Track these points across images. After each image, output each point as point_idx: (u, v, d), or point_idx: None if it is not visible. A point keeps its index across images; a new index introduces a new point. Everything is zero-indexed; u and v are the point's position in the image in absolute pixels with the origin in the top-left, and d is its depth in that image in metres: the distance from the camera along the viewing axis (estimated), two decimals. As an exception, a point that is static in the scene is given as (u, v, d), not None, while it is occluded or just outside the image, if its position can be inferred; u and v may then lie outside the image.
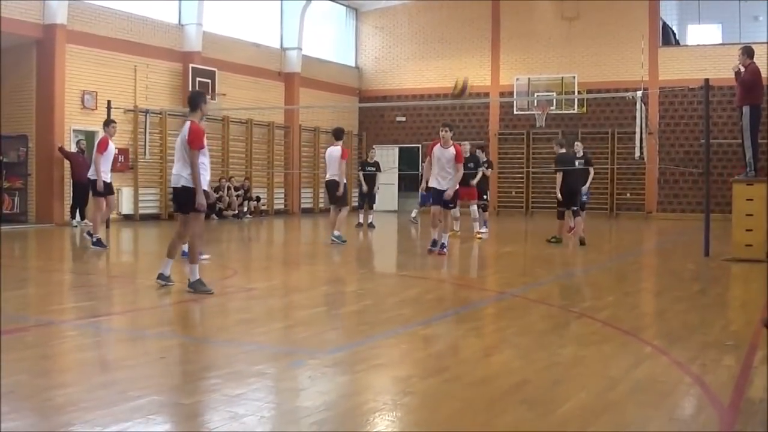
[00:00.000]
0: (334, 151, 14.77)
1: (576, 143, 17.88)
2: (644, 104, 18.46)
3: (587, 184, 16.91)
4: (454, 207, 13.39)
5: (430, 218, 13.01)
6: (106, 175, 13.35)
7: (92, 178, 13.46)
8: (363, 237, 17.65)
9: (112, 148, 13.62)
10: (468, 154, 16.85)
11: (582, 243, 14.82)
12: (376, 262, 13.64)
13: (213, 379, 4.87)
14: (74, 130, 19.85)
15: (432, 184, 12.82)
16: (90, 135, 20.27)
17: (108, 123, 14.11)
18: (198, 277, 8.33)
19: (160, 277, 8.73)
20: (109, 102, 19.09)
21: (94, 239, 13.16)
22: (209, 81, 23.06)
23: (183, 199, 8.49)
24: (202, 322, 7.21)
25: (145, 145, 21.50)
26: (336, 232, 14.50)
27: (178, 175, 8.46)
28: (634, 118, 18.89)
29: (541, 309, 7.86)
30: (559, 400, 4.43)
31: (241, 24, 25.29)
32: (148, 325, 7.03)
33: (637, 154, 18.32)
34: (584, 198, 17.08)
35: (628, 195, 27.02)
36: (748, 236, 11.92)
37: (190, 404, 4.33)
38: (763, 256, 11.45)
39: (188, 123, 8.50)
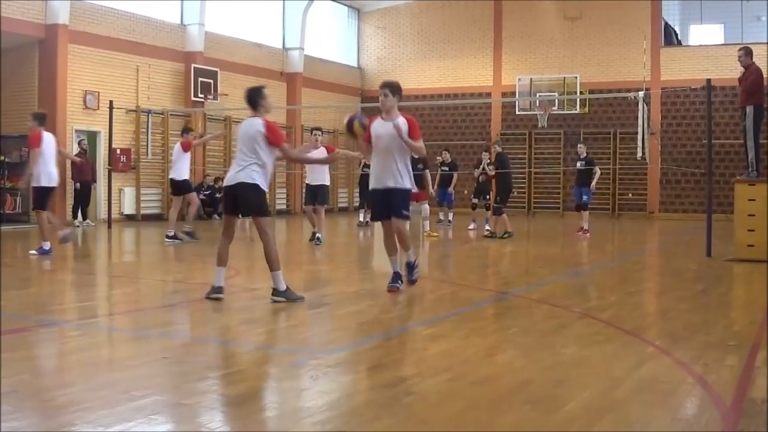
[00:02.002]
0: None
1: (579, 145, 18.09)
2: (646, 104, 18.48)
3: (593, 183, 17.43)
4: (408, 216, 8.65)
5: (383, 239, 8.77)
6: (188, 175, 14.77)
7: (173, 178, 14.89)
8: (364, 236, 17.67)
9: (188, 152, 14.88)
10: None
11: (505, 236, 16.13)
12: (377, 262, 13.63)
13: (215, 379, 4.87)
14: (76, 130, 19.86)
15: (373, 183, 8.60)
16: (92, 135, 20.30)
17: (186, 131, 15.45)
18: (285, 286, 7.80)
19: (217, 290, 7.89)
20: (111, 102, 19.14)
21: (186, 230, 14.59)
22: (211, 81, 23.08)
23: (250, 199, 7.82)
24: (204, 322, 7.21)
25: (147, 145, 21.53)
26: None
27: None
28: (637, 118, 18.91)
29: (544, 309, 7.85)
30: (562, 400, 4.43)
31: (244, 24, 25.31)
32: (151, 324, 7.02)
33: (639, 154, 18.35)
34: (585, 198, 17.25)
35: (630, 195, 27.01)
36: (751, 236, 11.91)
37: (192, 404, 4.33)
38: (765, 257, 11.43)
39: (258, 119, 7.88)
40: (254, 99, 8.00)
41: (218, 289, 7.87)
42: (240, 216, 8.04)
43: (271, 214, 8.09)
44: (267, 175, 7.82)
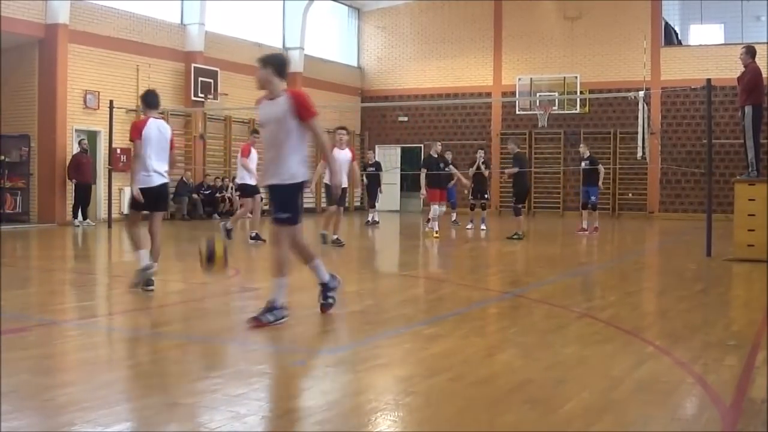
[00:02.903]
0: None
1: (581, 145, 18.24)
2: (646, 104, 18.50)
3: (599, 183, 17.62)
4: (292, 221, 6.64)
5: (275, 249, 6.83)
6: (251, 179, 14.27)
7: (238, 182, 14.93)
8: (360, 236, 17.68)
9: (255, 154, 14.34)
10: (436, 155, 17.01)
11: (514, 237, 15.77)
12: (377, 262, 13.64)
13: (215, 378, 4.87)
14: (76, 130, 19.86)
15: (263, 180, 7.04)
16: (92, 135, 20.30)
17: (252, 132, 15.36)
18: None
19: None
20: (111, 102, 19.14)
21: (253, 234, 14.33)
22: (211, 81, 23.08)
23: (164, 196, 8.71)
24: (203, 321, 7.21)
25: (147, 145, 21.48)
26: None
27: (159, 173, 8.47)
28: (637, 118, 18.93)
29: (544, 309, 7.85)
30: (561, 400, 4.43)
31: (244, 24, 25.30)
32: (150, 324, 7.03)
33: (640, 154, 18.41)
34: (593, 198, 17.49)
35: (631, 195, 27.01)
36: (750, 236, 11.90)
37: (192, 404, 4.33)
38: (764, 256, 11.43)
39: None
40: (157, 100, 8.63)
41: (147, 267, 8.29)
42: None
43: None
44: None
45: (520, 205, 16.20)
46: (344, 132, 13.99)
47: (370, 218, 20.16)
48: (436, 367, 5.28)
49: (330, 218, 13.98)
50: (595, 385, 4.78)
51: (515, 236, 15.77)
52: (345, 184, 13.65)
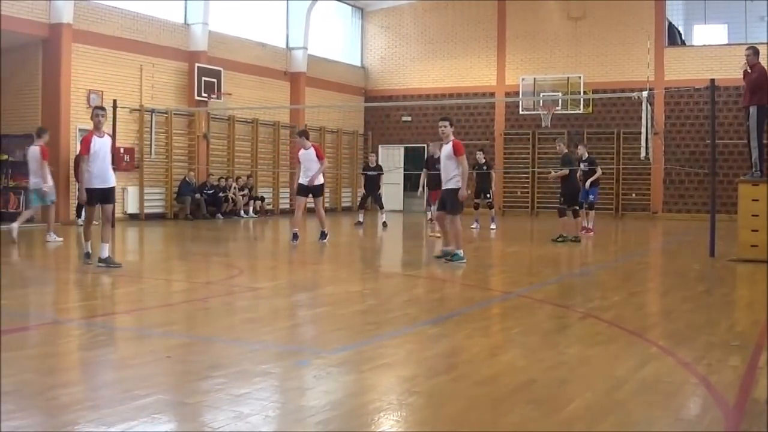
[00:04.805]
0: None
1: (579, 146, 18.06)
2: (650, 104, 18.46)
3: (591, 179, 17.26)
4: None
5: None
6: (303, 179, 14.51)
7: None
8: (364, 236, 17.66)
9: (302, 153, 14.53)
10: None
11: (572, 239, 15.27)
12: (381, 262, 13.64)
13: (218, 378, 4.87)
14: (80, 129, 19.86)
15: None
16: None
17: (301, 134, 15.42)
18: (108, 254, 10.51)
19: (102, 260, 10.42)
20: (114, 101, 19.14)
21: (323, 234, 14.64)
22: (215, 80, 23.09)
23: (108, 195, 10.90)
24: (207, 321, 7.21)
25: (150, 145, 21.55)
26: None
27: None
28: (640, 118, 18.91)
29: (547, 309, 7.85)
30: (565, 400, 4.43)
31: (247, 23, 25.32)
32: (154, 323, 7.03)
33: (643, 154, 18.35)
34: (591, 198, 17.29)
35: (634, 195, 26.97)
36: (754, 237, 11.89)
37: (195, 403, 4.34)
38: (766, 257, 11.41)
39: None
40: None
41: (87, 254, 10.67)
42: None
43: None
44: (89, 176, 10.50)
45: (564, 207, 15.66)
46: (446, 123, 11.32)
47: (383, 220, 20.10)
48: (439, 367, 5.28)
49: (444, 225, 11.87)
50: (599, 385, 4.78)
51: (572, 239, 15.22)
52: (453, 185, 11.34)
